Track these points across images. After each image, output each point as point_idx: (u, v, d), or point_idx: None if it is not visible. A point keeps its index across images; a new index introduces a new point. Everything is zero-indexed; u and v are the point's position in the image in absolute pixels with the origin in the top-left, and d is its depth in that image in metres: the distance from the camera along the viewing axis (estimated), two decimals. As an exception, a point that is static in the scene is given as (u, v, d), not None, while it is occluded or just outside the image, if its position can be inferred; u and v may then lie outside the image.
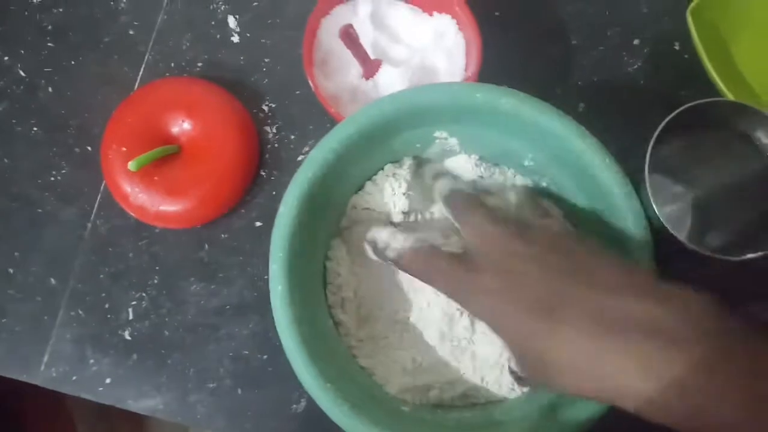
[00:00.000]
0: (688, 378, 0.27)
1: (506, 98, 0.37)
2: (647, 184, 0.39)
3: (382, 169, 0.42)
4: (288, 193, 0.37)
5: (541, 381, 0.32)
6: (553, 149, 0.39)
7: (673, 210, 0.43)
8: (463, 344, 0.40)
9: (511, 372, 0.39)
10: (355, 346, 0.41)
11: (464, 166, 0.43)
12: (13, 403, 0.79)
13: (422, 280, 0.36)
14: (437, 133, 0.41)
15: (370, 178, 0.42)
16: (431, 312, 0.40)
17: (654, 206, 0.38)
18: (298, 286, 0.37)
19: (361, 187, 0.43)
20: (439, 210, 0.42)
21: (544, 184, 0.42)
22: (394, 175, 0.42)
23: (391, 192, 0.42)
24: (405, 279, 0.41)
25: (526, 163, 0.41)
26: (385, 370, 0.40)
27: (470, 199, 0.37)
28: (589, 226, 0.40)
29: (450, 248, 0.36)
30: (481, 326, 0.40)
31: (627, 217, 0.36)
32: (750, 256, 0.39)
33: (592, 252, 0.34)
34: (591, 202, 0.39)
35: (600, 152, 0.36)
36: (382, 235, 0.38)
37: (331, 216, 0.42)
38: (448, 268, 0.34)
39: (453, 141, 0.41)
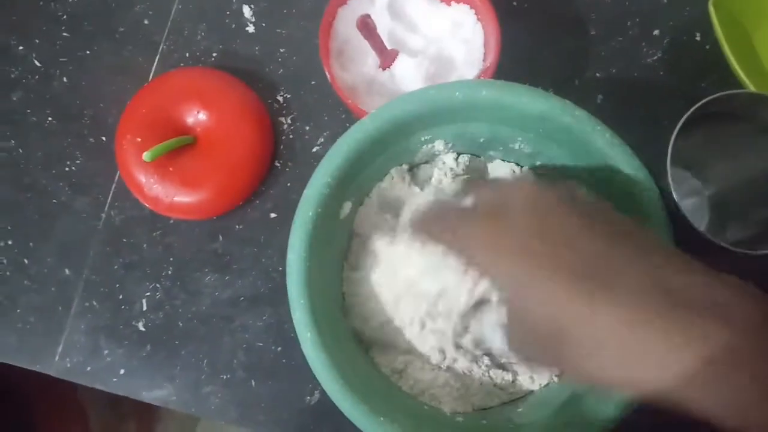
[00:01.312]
0: (730, 367, 0.24)
1: (486, 90, 0.37)
2: (669, 176, 0.38)
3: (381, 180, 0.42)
4: (293, 236, 0.37)
5: (549, 362, 0.30)
6: (543, 130, 0.38)
7: (693, 202, 0.43)
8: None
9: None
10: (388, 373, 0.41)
11: (452, 164, 0.42)
12: (25, 393, 0.79)
13: (434, 240, 0.33)
14: (423, 138, 0.40)
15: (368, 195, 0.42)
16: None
17: (675, 198, 0.38)
18: (326, 324, 0.37)
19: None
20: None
21: (538, 163, 0.42)
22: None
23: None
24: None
25: (517, 146, 0.41)
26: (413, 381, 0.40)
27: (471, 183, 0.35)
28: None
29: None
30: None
31: (635, 186, 0.36)
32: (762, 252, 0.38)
33: (635, 224, 0.30)
34: (595, 178, 0.39)
35: (590, 121, 0.36)
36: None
37: (336, 247, 0.41)
38: (463, 220, 0.31)
39: (439, 143, 0.41)
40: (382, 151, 0.40)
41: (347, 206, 0.40)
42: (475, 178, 0.43)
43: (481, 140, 0.41)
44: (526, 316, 0.28)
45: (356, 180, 0.40)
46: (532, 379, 0.40)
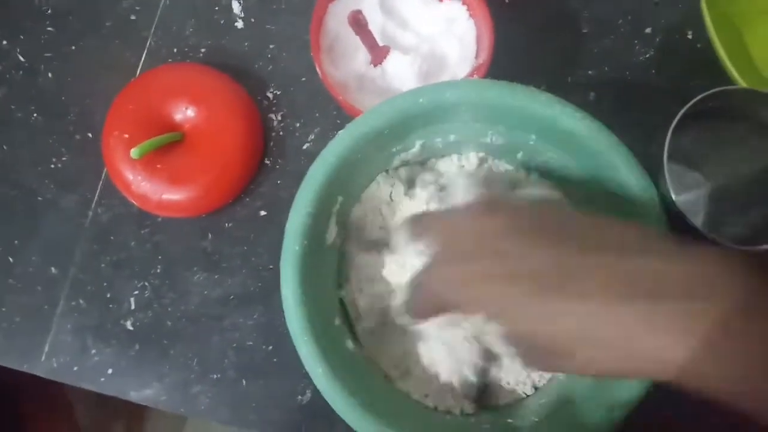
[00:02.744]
0: (719, 341, 0.24)
1: (451, 91, 0.37)
2: (665, 172, 0.38)
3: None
4: (284, 271, 0.36)
5: (555, 367, 0.31)
6: (513, 122, 0.39)
7: (689, 198, 0.42)
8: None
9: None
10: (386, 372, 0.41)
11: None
12: (13, 390, 0.79)
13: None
14: (395, 148, 0.40)
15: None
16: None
17: (672, 194, 0.38)
18: (333, 353, 0.37)
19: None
20: None
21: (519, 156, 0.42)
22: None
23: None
24: None
25: (488, 140, 0.41)
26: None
27: (423, 217, 0.34)
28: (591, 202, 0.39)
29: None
30: None
31: (621, 170, 0.36)
32: (766, 247, 0.38)
33: (590, 214, 0.30)
34: (584, 168, 0.39)
35: (563, 105, 0.36)
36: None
37: (328, 270, 0.41)
38: (435, 273, 0.31)
39: (413, 150, 0.41)
40: (359, 169, 0.40)
41: (333, 231, 0.40)
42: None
43: (452, 138, 0.41)
44: (519, 338, 0.29)
45: (337, 203, 0.39)
46: (529, 382, 0.40)
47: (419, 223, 0.33)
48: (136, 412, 1.01)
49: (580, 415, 0.37)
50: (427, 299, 0.31)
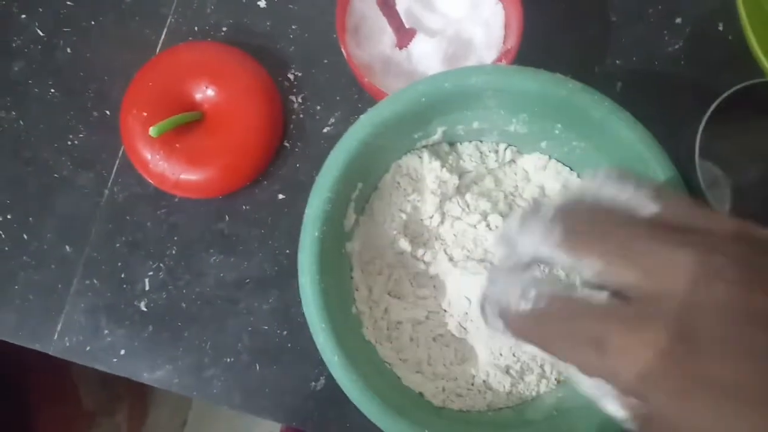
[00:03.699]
0: None
1: (476, 76, 0.36)
2: (697, 167, 0.37)
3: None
4: (303, 258, 0.35)
5: None
6: (538, 108, 0.38)
7: (717, 195, 0.42)
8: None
9: None
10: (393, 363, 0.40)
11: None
12: (19, 373, 0.78)
13: (554, 353, 0.23)
14: (416, 135, 0.40)
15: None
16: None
17: (702, 187, 0.37)
18: (349, 342, 0.36)
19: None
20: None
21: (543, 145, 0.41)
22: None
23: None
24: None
25: (512, 129, 0.40)
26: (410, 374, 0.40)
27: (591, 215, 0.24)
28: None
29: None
30: None
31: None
32: None
33: None
34: (610, 159, 0.38)
35: (591, 94, 0.35)
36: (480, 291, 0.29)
37: (345, 259, 0.40)
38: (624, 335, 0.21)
39: (435, 136, 0.40)
40: (379, 156, 0.39)
41: (351, 218, 0.39)
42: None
43: (475, 125, 0.40)
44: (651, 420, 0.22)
45: (356, 189, 0.39)
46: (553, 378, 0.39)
47: (585, 229, 0.23)
48: (140, 397, 1.01)
49: (591, 413, 0.36)
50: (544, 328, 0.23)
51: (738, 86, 0.38)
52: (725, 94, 0.38)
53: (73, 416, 0.90)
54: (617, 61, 0.48)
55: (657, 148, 0.35)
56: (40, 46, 0.49)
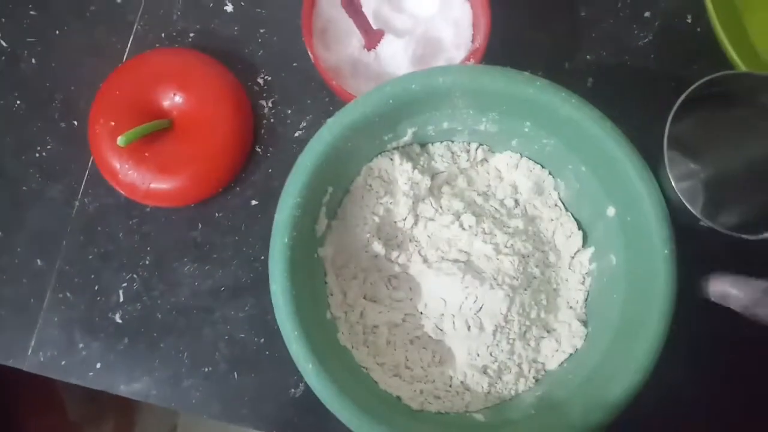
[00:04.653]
0: None
1: (443, 77, 0.36)
2: (665, 160, 0.37)
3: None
4: (273, 267, 0.35)
5: None
6: (507, 107, 0.38)
7: (688, 186, 0.42)
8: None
9: None
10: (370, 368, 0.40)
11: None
12: (3, 383, 0.77)
13: None
14: (386, 137, 0.40)
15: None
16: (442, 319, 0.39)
17: (672, 182, 0.37)
18: (323, 350, 0.36)
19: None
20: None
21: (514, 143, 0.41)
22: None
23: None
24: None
25: (482, 128, 0.40)
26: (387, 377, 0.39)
27: None
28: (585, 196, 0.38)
29: None
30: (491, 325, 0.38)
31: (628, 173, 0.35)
32: (766, 235, 0.37)
33: None
34: (579, 156, 0.38)
35: (558, 91, 0.35)
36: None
37: (317, 264, 0.40)
38: None
39: (405, 138, 0.40)
40: (349, 159, 0.39)
41: (323, 223, 0.39)
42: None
43: (445, 126, 0.40)
44: None
45: (327, 193, 0.38)
46: (531, 377, 0.39)
47: None
48: (126, 407, 1.00)
49: (570, 412, 0.36)
50: None
51: (705, 78, 0.38)
52: (692, 87, 0.38)
53: (59, 427, 0.89)
54: (588, 57, 0.48)
55: (625, 144, 0.36)
56: (3, 57, 0.48)
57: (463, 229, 0.40)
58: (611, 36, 0.48)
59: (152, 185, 0.43)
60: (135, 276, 0.46)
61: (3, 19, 0.48)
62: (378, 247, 0.40)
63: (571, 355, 0.40)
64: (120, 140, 0.41)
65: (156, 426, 1.06)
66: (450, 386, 0.39)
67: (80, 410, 0.91)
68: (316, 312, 0.37)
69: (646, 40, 0.48)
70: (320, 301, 0.39)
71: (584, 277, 0.41)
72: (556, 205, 0.42)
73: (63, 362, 0.45)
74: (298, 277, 0.35)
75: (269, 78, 0.47)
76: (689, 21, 0.48)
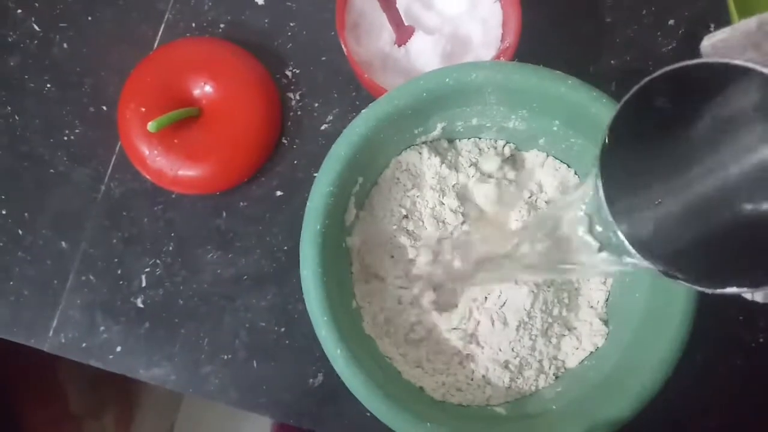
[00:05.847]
0: None
1: (477, 72, 0.37)
2: (598, 176, 0.24)
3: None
4: (305, 251, 0.36)
5: None
6: (537, 105, 0.38)
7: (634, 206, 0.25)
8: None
9: None
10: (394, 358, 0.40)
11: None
12: (4, 374, 0.77)
13: None
14: (416, 130, 0.40)
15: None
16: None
17: (606, 208, 0.24)
18: (352, 336, 0.36)
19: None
20: None
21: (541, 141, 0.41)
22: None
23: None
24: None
25: (511, 125, 0.40)
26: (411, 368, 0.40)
27: None
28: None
29: None
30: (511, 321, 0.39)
31: None
32: (731, 290, 0.23)
33: None
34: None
35: (590, 90, 0.36)
36: None
37: (345, 253, 0.40)
38: None
39: (434, 132, 0.40)
40: (379, 151, 0.39)
41: (352, 213, 0.39)
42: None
43: (474, 122, 0.40)
44: None
45: (357, 184, 0.39)
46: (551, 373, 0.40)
47: None
48: (126, 400, 1.00)
49: (590, 408, 0.36)
50: None
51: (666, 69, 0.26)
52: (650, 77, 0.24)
53: (61, 418, 0.89)
54: (612, 61, 0.48)
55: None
56: (36, 41, 0.48)
57: None
58: (635, 42, 0.49)
59: (180, 172, 0.44)
60: (158, 261, 0.46)
61: (36, 4, 0.49)
62: (404, 240, 0.40)
63: (591, 353, 0.40)
64: (150, 126, 0.41)
65: (156, 419, 1.06)
66: (472, 380, 0.39)
67: (82, 402, 0.91)
68: (342, 300, 0.38)
69: (670, 47, 0.49)
70: (346, 290, 0.39)
71: (605, 278, 0.41)
72: None
73: (84, 344, 0.45)
74: (327, 265, 0.36)
75: (297, 71, 0.48)
76: (712, 30, 0.49)
